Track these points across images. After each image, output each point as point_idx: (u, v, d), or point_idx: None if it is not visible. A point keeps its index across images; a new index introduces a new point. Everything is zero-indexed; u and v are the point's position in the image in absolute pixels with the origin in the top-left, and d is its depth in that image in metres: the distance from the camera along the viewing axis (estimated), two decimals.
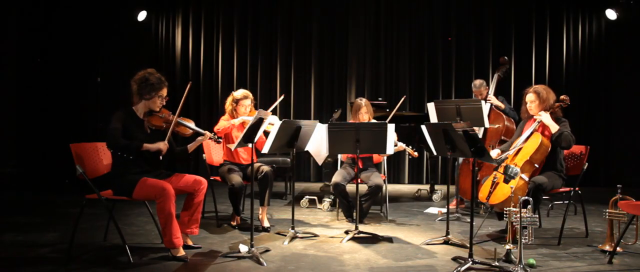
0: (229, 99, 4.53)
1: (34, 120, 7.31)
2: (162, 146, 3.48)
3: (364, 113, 4.72)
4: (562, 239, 3.95)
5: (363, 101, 4.76)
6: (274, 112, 4.50)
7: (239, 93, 4.48)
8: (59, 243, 3.78)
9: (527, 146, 3.92)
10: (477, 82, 5.55)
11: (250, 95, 4.51)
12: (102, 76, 7.03)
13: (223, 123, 4.43)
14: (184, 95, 3.63)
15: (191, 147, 3.80)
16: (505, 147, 4.22)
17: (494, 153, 4.16)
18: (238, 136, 4.39)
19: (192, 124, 3.72)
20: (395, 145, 4.44)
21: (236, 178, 4.24)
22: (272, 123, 3.98)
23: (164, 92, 3.59)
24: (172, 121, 3.55)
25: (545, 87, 4.07)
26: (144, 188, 3.34)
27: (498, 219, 4.28)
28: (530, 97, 4.05)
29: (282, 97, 5.13)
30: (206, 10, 8.06)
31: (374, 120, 4.86)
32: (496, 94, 5.43)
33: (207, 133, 3.76)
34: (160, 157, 3.55)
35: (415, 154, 4.62)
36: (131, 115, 3.51)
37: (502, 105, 5.33)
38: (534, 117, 4.05)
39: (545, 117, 3.93)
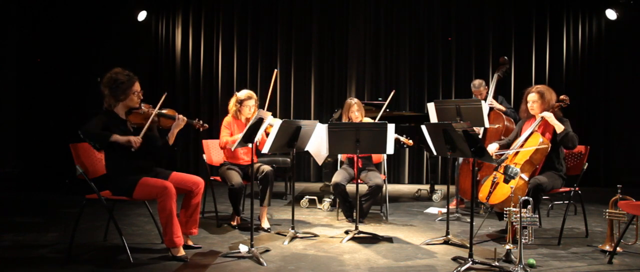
0: (233, 100, 4.49)
1: (34, 120, 7.31)
2: (134, 138, 3.31)
3: (356, 111, 4.73)
4: (562, 239, 3.95)
5: (353, 100, 4.78)
6: (273, 108, 4.45)
7: (243, 94, 4.45)
8: (59, 243, 3.78)
9: (527, 145, 3.91)
10: (477, 82, 5.57)
11: (254, 95, 4.48)
12: (102, 76, 7.03)
13: (226, 137, 4.36)
14: (162, 98, 3.51)
15: (170, 137, 3.58)
16: (503, 143, 4.22)
17: (493, 147, 4.14)
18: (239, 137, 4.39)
19: (172, 113, 3.57)
20: None
21: (236, 178, 4.24)
22: (271, 124, 3.96)
23: (137, 86, 3.47)
24: (152, 114, 3.44)
25: (548, 88, 4.05)
26: (145, 188, 3.34)
27: (498, 219, 4.28)
28: (532, 97, 4.03)
29: (275, 73, 4.93)
30: (206, 10, 8.07)
31: (368, 120, 4.87)
32: (496, 94, 5.43)
33: (180, 117, 3.54)
34: (132, 149, 3.33)
35: (410, 142, 4.62)
36: (113, 117, 3.44)
37: (504, 108, 5.34)
38: (536, 116, 4.05)
39: (550, 117, 3.92)
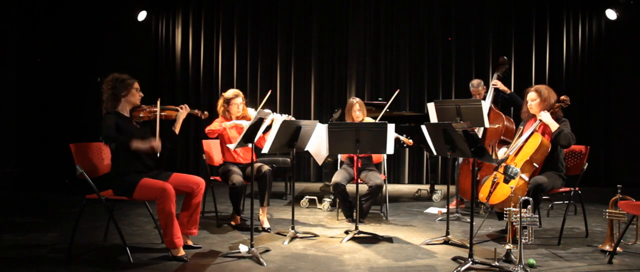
0: (220, 101, 4.51)
1: (34, 120, 7.31)
2: (154, 144, 3.39)
3: (357, 111, 4.74)
4: (562, 239, 3.95)
5: (355, 100, 4.79)
6: (274, 108, 4.46)
7: (230, 93, 4.47)
8: (59, 243, 3.78)
9: (527, 146, 3.92)
10: (475, 81, 5.55)
11: (241, 93, 4.50)
12: (102, 76, 7.03)
13: (216, 125, 4.39)
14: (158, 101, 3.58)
15: (176, 128, 3.67)
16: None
17: (501, 152, 4.17)
18: (234, 135, 4.40)
19: (172, 107, 3.67)
20: None
21: (237, 177, 4.24)
22: (273, 119, 3.95)
23: (138, 84, 3.57)
24: (157, 110, 3.52)
25: (547, 87, 4.07)
26: (144, 189, 3.34)
27: (498, 219, 4.28)
28: (531, 96, 4.06)
29: (268, 93, 4.86)
30: (206, 10, 8.07)
31: (369, 119, 4.87)
32: (495, 94, 5.43)
33: (184, 107, 3.65)
34: (158, 155, 3.52)
35: (410, 141, 4.60)
36: (118, 115, 3.49)
37: (508, 90, 5.37)
38: (536, 116, 4.05)
39: (545, 116, 3.93)
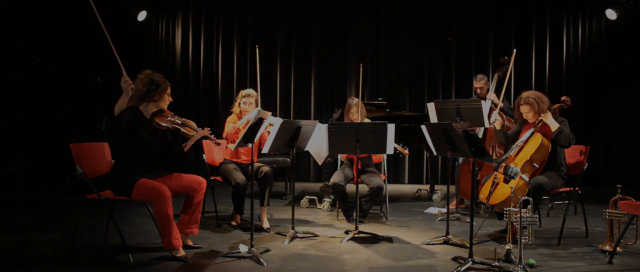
0: (237, 101, 4.59)
1: (34, 120, 7.31)
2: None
3: (355, 112, 4.72)
4: (562, 239, 3.95)
5: (354, 101, 4.77)
6: (274, 107, 4.48)
7: (244, 91, 4.53)
8: (59, 243, 3.78)
9: (528, 146, 3.92)
10: (479, 76, 5.53)
11: (253, 93, 4.51)
12: (102, 76, 7.03)
13: (229, 127, 4.42)
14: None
15: (187, 145, 3.65)
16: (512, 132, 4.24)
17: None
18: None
19: (193, 125, 3.67)
20: None
21: (240, 176, 4.25)
22: (271, 124, 3.96)
23: (170, 89, 3.59)
24: (179, 123, 3.52)
25: (537, 94, 4.03)
26: (141, 190, 3.34)
27: (498, 219, 4.28)
28: (524, 109, 4.05)
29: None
30: (206, 10, 8.07)
31: (367, 120, 4.86)
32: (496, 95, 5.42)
33: (202, 130, 3.64)
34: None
35: (406, 151, 4.59)
36: (137, 115, 3.45)
37: (502, 104, 5.33)
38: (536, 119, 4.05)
39: (546, 117, 3.93)
